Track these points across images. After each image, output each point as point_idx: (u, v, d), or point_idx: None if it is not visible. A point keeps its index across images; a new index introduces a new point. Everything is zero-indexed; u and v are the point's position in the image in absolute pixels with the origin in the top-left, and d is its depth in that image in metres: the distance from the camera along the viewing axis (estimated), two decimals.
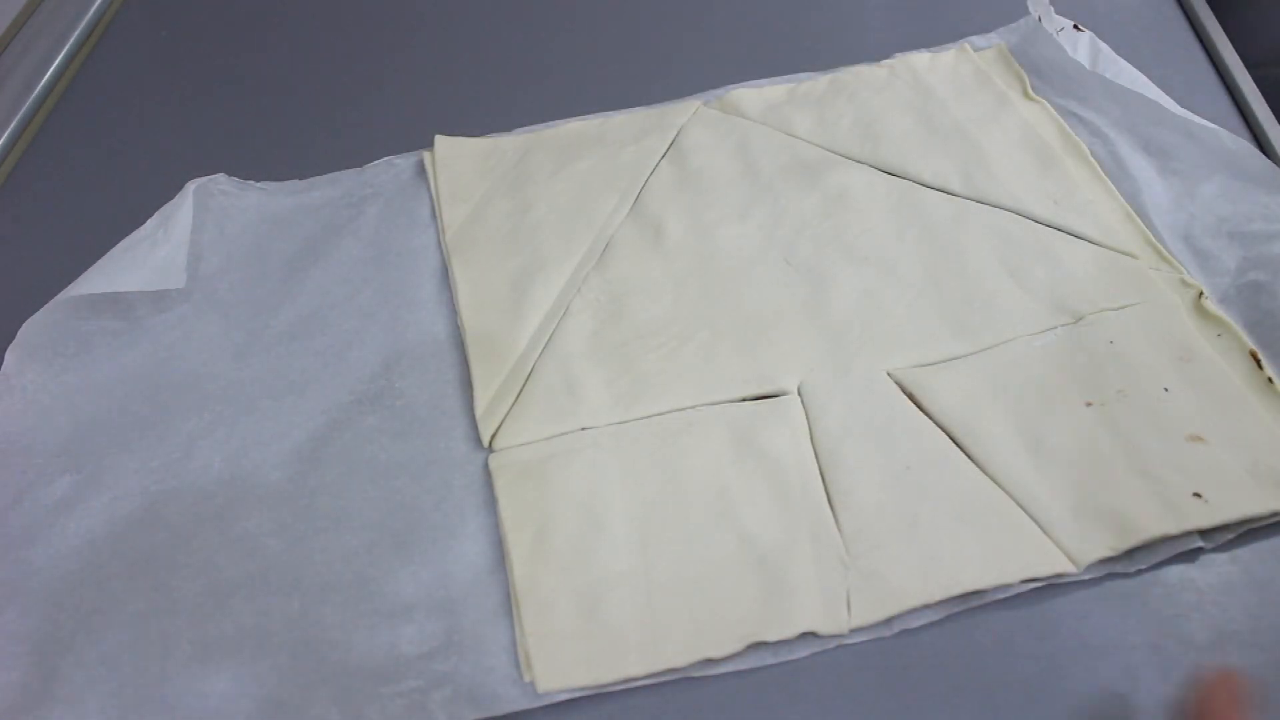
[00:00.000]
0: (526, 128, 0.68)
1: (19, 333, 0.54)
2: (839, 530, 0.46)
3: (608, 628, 0.43)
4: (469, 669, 0.43)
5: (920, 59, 0.69)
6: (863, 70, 0.69)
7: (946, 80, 0.68)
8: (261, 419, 0.53)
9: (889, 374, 0.52)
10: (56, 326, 0.55)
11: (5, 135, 0.71)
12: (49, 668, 0.44)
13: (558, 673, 0.42)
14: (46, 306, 0.55)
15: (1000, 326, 0.53)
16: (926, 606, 0.43)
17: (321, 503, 0.49)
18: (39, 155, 0.71)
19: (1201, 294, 0.53)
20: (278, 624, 0.45)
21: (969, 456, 0.48)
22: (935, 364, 0.52)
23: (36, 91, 0.75)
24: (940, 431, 0.49)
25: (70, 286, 0.56)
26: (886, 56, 0.70)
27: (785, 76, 0.70)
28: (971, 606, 0.44)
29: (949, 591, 0.43)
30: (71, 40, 0.80)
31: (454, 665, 0.43)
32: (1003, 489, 0.46)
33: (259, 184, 0.65)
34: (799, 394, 0.51)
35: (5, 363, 0.54)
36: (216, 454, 0.52)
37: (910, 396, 0.51)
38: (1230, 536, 0.45)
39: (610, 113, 0.69)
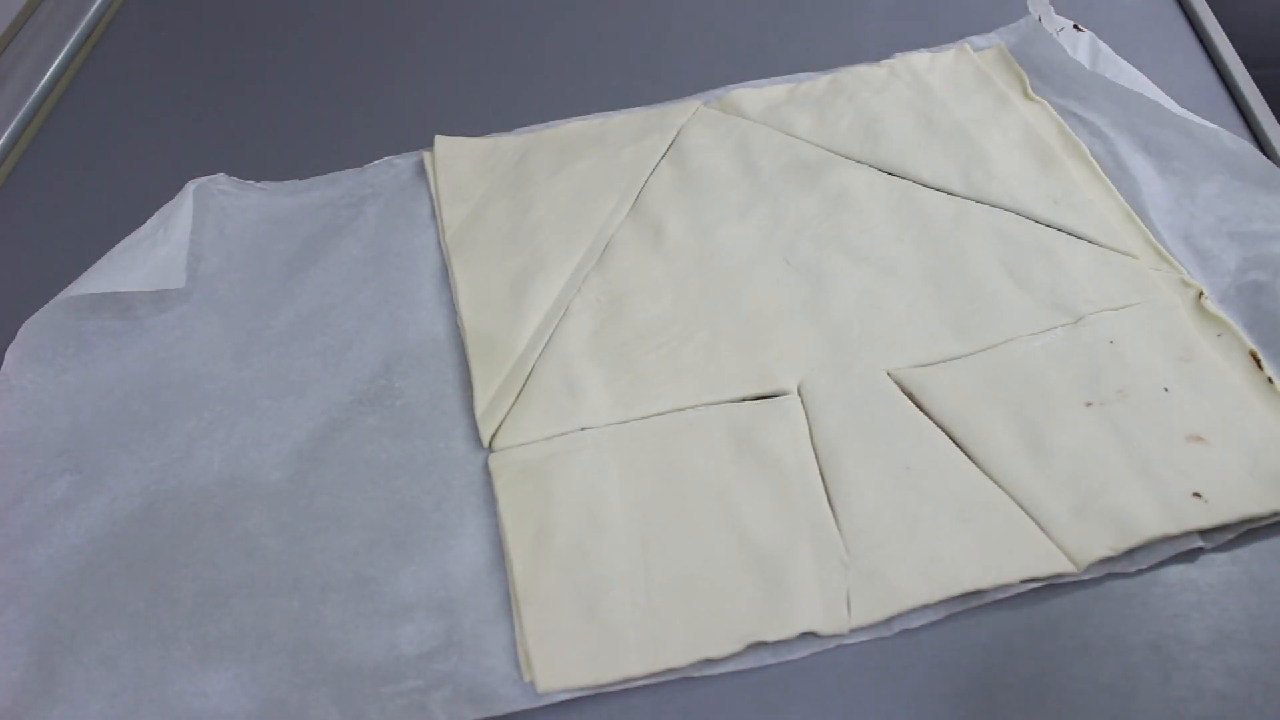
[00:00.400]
0: (526, 128, 0.68)
1: (19, 333, 0.54)
2: (839, 530, 0.46)
3: (608, 628, 0.43)
4: (469, 669, 0.43)
5: (920, 59, 0.69)
6: (863, 70, 0.69)
7: (946, 80, 0.68)
8: (261, 419, 0.53)
9: (889, 374, 0.52)
10: (56, 326, 0.55)
11: (5, 135, 0.71)
12: (49, 668, 0.44)
13: (558, 673, 0.42)
14: (46, 306, 0.55)
15: (1000, 326, 0.53)
16: (926, 606, 0.43)
17: (321, 503, 0.49)
18: (39, 155, 0.71)
19: (1201, 294, 0.53)
20: (278, 624, 0.45)
21: (969, 456, 0.48)
22: (935, 364, 0.52)
23: (36, 91, 0.75)
24: (940, 431, 0.49)
25: (70, 286, 0.56)
26: (886, 56, 0.71)
27: (785, 76, 0.70)
28: (971, 606, 0.44)
29: (949, 591, 0.43)
30: (71, 40, 0.80)
31: (454, 665, 0.43)
32: (1003, 489, 0.46)
33: (259, 184, 0.65)
34: (799, 394, 0.51)
35: (5, 363, 0.54)
36: (216, 454, 0.52)
37: (910, 396, 0.51)
38: (1230, 536, 0.45)
39: (610, 113, 0.69)
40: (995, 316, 0.53)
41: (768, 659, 0.43)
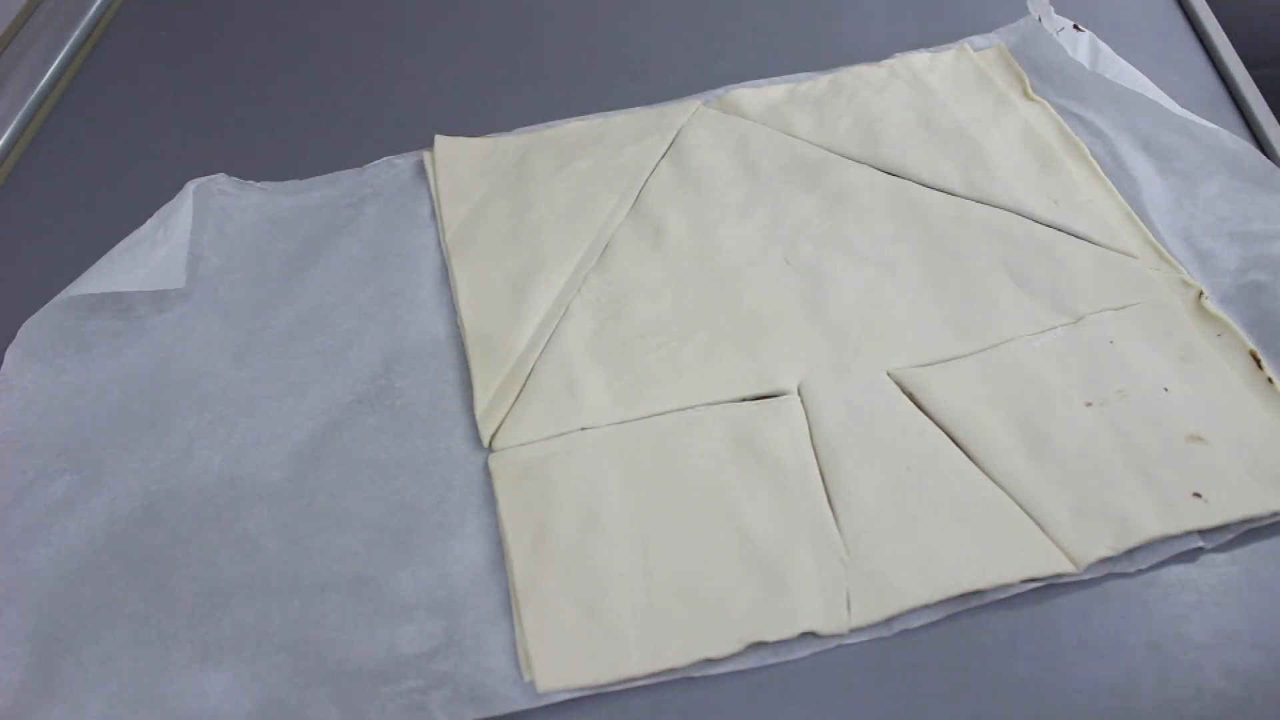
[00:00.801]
0: (526, 128, 0.68)
1: (19, 333, 0.54)
2: (839, 530, 0.46)
3: (607, 627, 0.43)
4: (469, 669, 0.43)
5: (920, 59, 0.69)
6: (863, 70, 0.69)
7: (946, 80, 0.68)
8: (261, 419, 0.53)
9: (889, 374, 0.52)
10: (56, 326, 0.55)
11: (5, 135, 0.71)
12: (49, 668, 0.44)
13: (558, 673, 0.42)
14: (46, 306, 0.55)
15: (1000, 326, 0.53)
16: (926, 606, 0.43)
17: (321, 503, 0.49)
18: (39, 155, 0.71)
19: (1201, 294, 0.53)
20: (277, 624, 0.45)
21: (969, 456, 0.48)
22: (935, 364, 0.52)
23: (36, 91, 0.75)
24: (940, 431, 0.49)
25: (70, 286, 0.56)
26: (886, 56, 0.70)
27: (785, 76, 0.70)
28: (971, 606, 0.44)
29: (949, 591, 0.43)
30: (71, 40, 0.80)
31: (454, 665, 0.43)
32: (1003, 489, 0.47)
33: (259, 184, 0.65)
34: (799, 394, 0.51)
35: (5, 363, 0.54)
36: (216, 454, 0.52)
37: (910, 396, 0.51)
38: (1230, 536, 0.45)
39: (610, 113, 0.69)
40: (995, 316, 0.53)
41: (768, 659, 0.43)
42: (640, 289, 0.57)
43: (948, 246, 0.57)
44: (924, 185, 0.61)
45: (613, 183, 0.63)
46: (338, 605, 0.46)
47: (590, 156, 0.65)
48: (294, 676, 0.43)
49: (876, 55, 0.71)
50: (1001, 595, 0.44)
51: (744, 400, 0.51)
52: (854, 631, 0.43)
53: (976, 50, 0.71)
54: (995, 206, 0.59)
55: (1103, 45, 0.67)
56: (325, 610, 0.45)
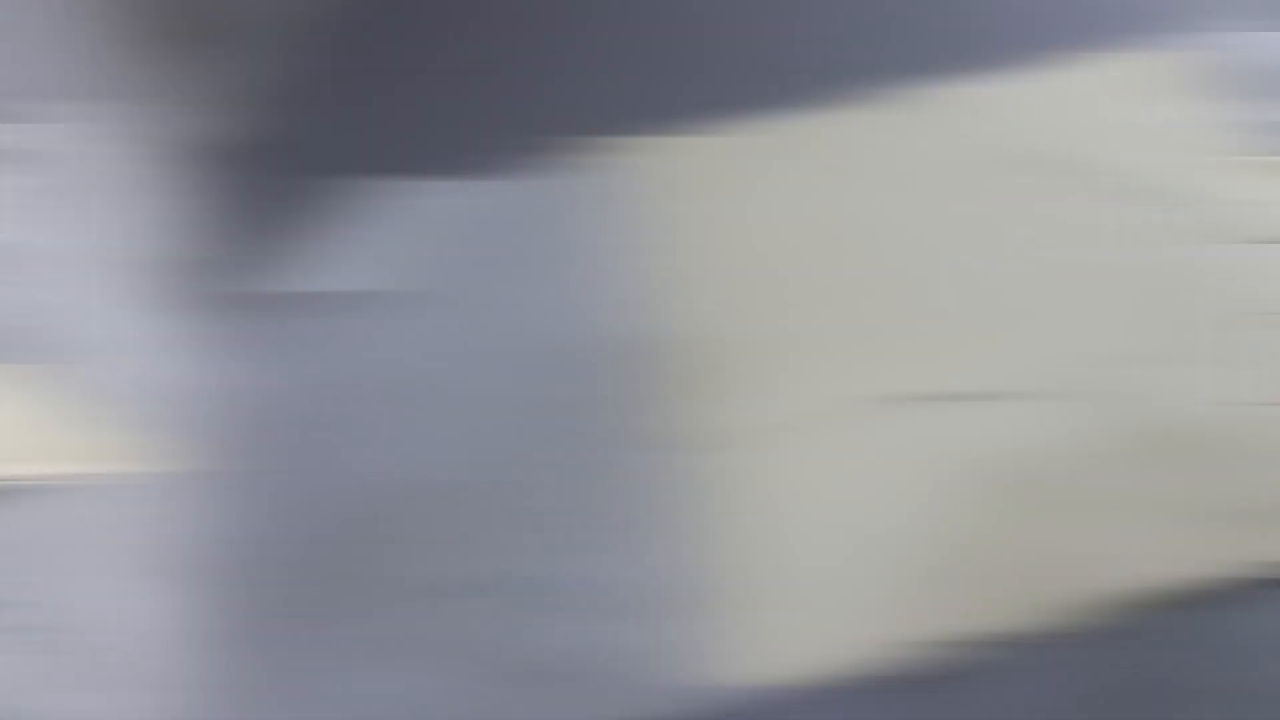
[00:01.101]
0: (734, 125, 0.67)
1: (210, 326, 0.57)
2: (1043, 529, 0.46)
3: (808, 624, 0.44)
4: (650, 670, 0.43)
5: (1113, 61, 0.68)
6: (1058, 71, 0.68)
7: (1139, 83, 0.66)
8: (449, 419, 0.54)
9: (1095, 375, 0.51)
10: (255, 325, 0.58)
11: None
12: (229, 666, 0.46)
13: (757, 669, 0.43)
14: (245, 303, 0.58)
15: (1195, 331, 0.52)
16: (1144, 602, 0.43)
17: (507, 503, 0.50)
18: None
19: None
20: (452, 625, 0.46)
21: (1190, 455, 0.47)
22: (1133, 369, 0.51)
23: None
24: (1157, 430, 0.48)
25: (264, 284, 0.59)
26: (1080, 57, 0.68)
27: (969, 74, 0.69)
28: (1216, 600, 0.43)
29: (1175, 586, 0.43)
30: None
31: (638, 666, 0.43)
32: (1226, 483, 0.46)
33: (447, 183, 0.66)
34: (1005, 394, 0.51)
35: (197, 355, 0.57)
36: (403, 455, 0.53)
37: (1109, 403, 0.50)
38: None
39: (814, 111, 0.68)
40: (1189, 320, 0.52)
41: (970, 658, 0.43)
42: (846, 285, 0.57)
43: (1143, 255, 0.56)
44: (1113, 190, 0.60)
45: (821, 180, 0.63)
46: (520, 605, 0.46)
47: (796, 155, 0.64)
48: (468, 679, 0.44)
49: (1070, 56, 0.69)
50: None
51: (948, 397, 0.51)
52: (1062, 629, 0.43)
53: (1174, 52, 0.68)
54: (1192, 212, 0.58)
55: None
56: (508, 610, 0.46)
